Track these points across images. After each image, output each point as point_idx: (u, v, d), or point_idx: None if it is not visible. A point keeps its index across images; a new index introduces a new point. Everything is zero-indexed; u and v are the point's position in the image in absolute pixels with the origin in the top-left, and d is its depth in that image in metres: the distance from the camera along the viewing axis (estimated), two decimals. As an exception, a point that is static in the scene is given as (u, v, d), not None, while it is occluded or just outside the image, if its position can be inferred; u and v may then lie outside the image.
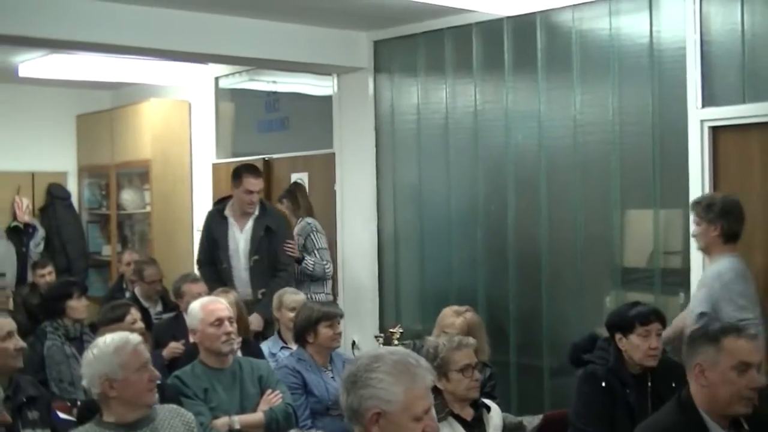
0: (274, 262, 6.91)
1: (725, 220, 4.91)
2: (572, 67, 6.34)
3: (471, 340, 4.46)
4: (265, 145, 9.10)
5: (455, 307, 5.38)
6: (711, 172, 5.64)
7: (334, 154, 8.16)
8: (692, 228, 5.14)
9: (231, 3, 6.72)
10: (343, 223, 8.04)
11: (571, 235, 6.36)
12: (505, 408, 4.82)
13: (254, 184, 6.84)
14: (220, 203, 7.21)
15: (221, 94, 9.65)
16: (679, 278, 5.82)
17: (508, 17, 6.66)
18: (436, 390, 4.16)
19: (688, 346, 3.54)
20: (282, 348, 6.03)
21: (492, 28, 6.82)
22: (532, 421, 4.88)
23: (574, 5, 6.28)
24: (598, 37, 6.24)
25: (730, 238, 4.95)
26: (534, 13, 6.49)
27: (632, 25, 6.07)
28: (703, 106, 5.68)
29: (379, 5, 6.67)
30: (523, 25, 6.62)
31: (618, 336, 4.43)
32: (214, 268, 7.01)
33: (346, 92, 8.08)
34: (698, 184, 5.65)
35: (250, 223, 6.92)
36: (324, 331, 5.29)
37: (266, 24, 7.25)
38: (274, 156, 8.89)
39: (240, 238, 6.93)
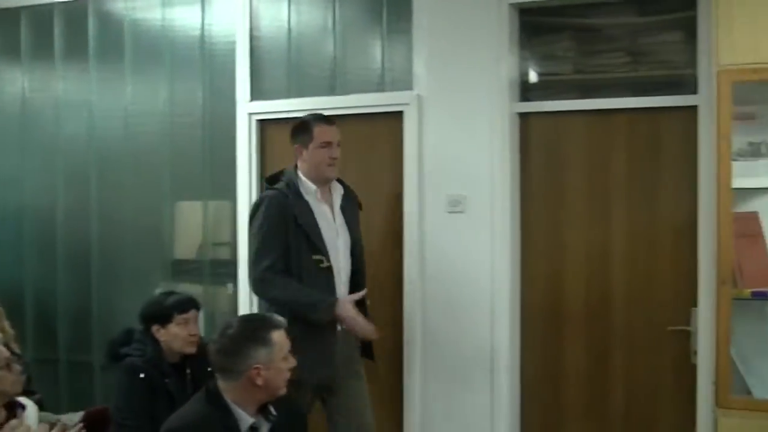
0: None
1: None
2: (124, 57, 6.21)
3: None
4: None
5: None
6: (258, 165, 5.77)
7: None
8: None
9: None
10: None
11: (123, 227, 6.24)
12: (54, 406, 4.63)
13: (332, 132, 4.76)
14: (271, 181, 4.81)
15: None
16: (228, 269, 5.89)
17: (59, 2, 6.42)
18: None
19: (233, 353, 3.54)
20: None
21: (41, 13, 6.52)
22: (73, 418, 4.70)
23: (127, -7, 6.19)
24: (151, 28, 6.17)
25: None
26: (86, -1, 6.32)
27: (185, 17, 6.06)
28: (252, 99, 5.79)
29: None
30: (75, 11, 6.39)
31: (156, 327, 4.40)
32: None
33: None
34: (246, 176, 5.75)
35: (338, 199, 4.80)
36: None
37: None
38: None
39: (336, 222, 4.76)
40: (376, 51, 5.52)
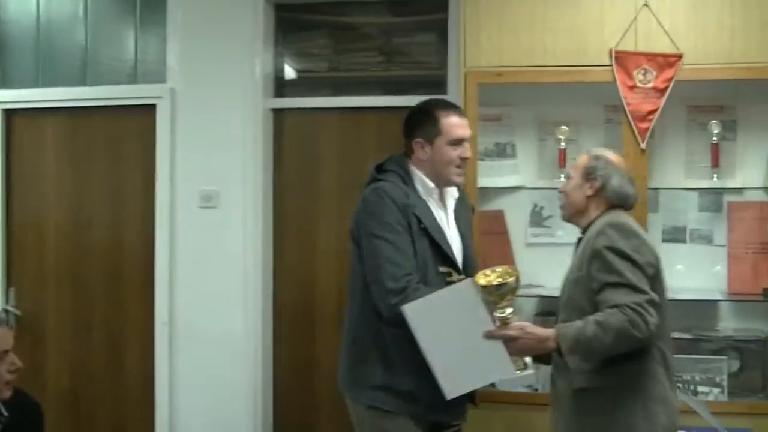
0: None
1: None
2: None
3: None
4: None
5: None
6: (4, 156, 5.53)
7: None
8: None
9: None
10: None
11: None
12: None
13: (465, 126, 3.74)
14: (381, 173, 3.73)
15: None
16: None
17: None
18: None
19: None
20: None
21: None
22: None
23: None
24: None
25: None
26: None
27: None
28: (-1, 88, 5.57)
29: None
30: None
31: None
32: None
33: None
34: (-7, 168, 5.53)
35: (451, 203, 3.82)
36: None
37: None
38: None
39: (450, 230, 3.76)
40: (129, 42, 5.42)
